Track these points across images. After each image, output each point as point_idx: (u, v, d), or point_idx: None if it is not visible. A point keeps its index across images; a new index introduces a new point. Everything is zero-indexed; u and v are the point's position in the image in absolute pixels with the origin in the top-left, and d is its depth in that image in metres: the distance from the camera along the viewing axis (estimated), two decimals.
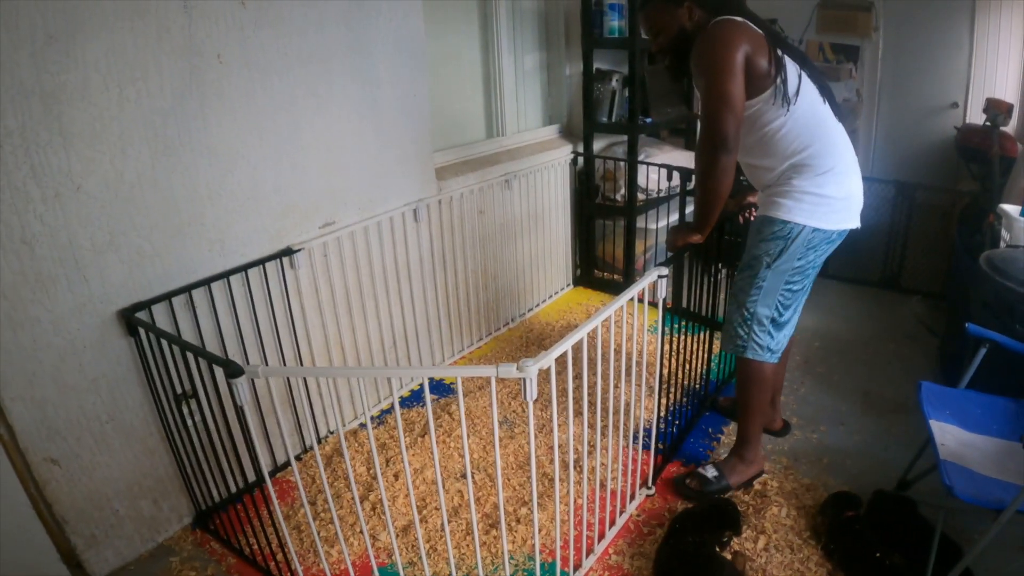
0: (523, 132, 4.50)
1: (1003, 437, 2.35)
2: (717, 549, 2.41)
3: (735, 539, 2.51)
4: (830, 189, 2.39)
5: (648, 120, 4.40)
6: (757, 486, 2.78)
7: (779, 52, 2.31)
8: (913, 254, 4.61)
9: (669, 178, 4.34)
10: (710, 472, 2.74)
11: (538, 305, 4.57)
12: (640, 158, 4.40)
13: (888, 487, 2.67)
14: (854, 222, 2.52)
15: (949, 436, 2.32)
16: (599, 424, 2.43)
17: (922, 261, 4.61)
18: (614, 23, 4.17)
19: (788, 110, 2.33)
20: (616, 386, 2.38)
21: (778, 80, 2.30)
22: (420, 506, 2.71)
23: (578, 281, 4.95)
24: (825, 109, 2.44)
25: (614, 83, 4.42)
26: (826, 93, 2.45)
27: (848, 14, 5.97)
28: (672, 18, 2.46)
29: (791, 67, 2.34)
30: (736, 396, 2.79)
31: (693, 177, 2.51)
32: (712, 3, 2.39)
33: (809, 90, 2.39)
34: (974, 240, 3.68)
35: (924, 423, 2.36)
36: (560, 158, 4.45)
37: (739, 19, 2.31)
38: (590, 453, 2.40)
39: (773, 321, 2.57)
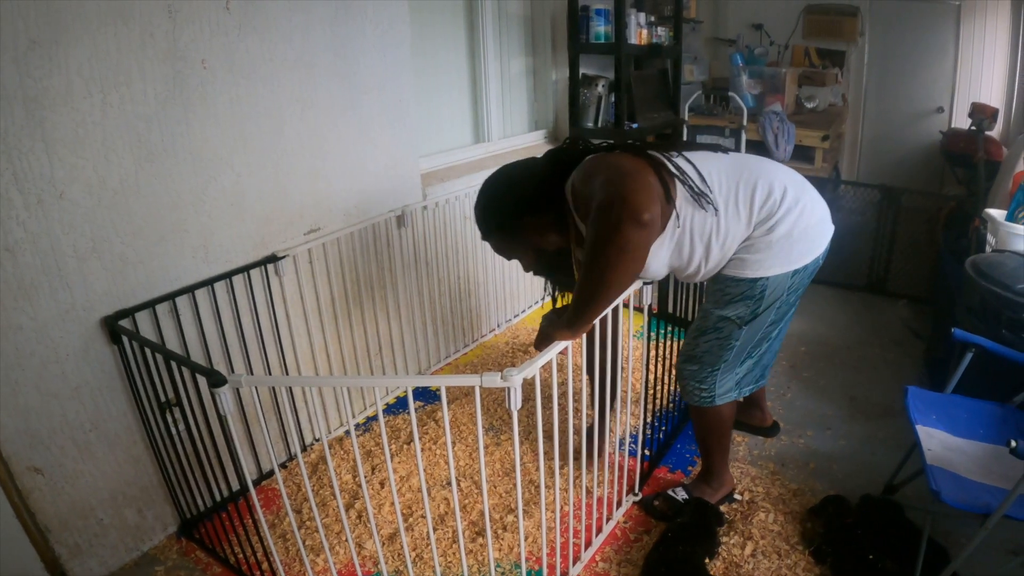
0: (509, 137, 4.51)
1: (989, 441, 2.35)
2: (707, 560, 2.41)
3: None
4: (798, 224, 2.18)
5: (634, 125, 4.41)
6: (746, 495, 2.78)
7: (663, 162, 2.13)
8: (899, 258, 4.63)
9: None
10: (680, 495, 2.70)
11: (524, 311, 4.56)
12: None
13: (875, 492, 2.68)
14: (829, 232, 2.33)
15: (935, 441, 2.32)
16: (584, 430, 2.43)
17: (908, 265, 4.63)
18: (600, 28, 4.17)
19: (713, 204, 2.14)
20: (602, 392, 2.38)
21: (679, 196, 2.12)
22: (406, 514, 2.71)
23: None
24: (731, 156, 2.31)
25: (600, 88, 4.43)
26: (716, 148, 2.34)
27: (834, 19, 6.01)
28: (519, 243, 2.37)
29: (679, 163, 2.16)
30: (696, 438, 2.71)
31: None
32: (544, 195, 2.25)
33: (707, 161, 2.21)
34: (959, 244, 3.70)
35: (911, 428, 2.36)
36: None
37: (599, 153, 2.23)
38: (576, 459, 2.39)
39: (745, 364, 2.47)
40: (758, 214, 2.16)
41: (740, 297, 2.26)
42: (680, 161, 2.17)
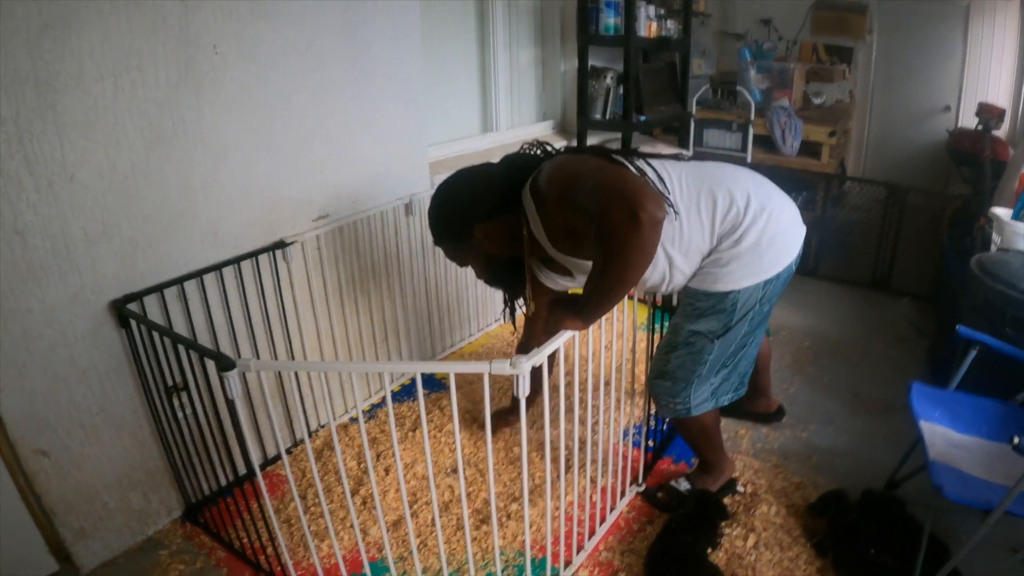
0: (517, 128, 4.51)
1: (992, 439, 2.36)
2: (709, 550, 2.42)
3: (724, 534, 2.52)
4: (766, 232, 2.12)
5: (642, 118, 4.41)
6: (749, 487, 2.79)
7: (624, 163, 2.06)
8: (903, 256, 4.62)
9: None
10: (683, 486, 2.70)
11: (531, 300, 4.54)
12: None
13: (877, 487, 2.68)
14: (801, 235, 2.26)
15: (939, 437, 2.33)
16: (590, 420, 2.43)
17: (912, 263, 4.63)
18: (610, 20, 4.17)
19: (674, 207, 2.08)
20: (607, 382, 2.38)
21: None
22: (411, 501, 2.71)
23: None
24: (692, 164, 2.25)
25: (609, 80, 4.43)
26: (677, 156, 2.30)
27: (842, 16, 6.00)
28: (470, 249, 2.32)
29: (641, 164, 2.11)
30: (688, 445, 2.70)
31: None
32: (496, 200, 2.20)
33: (667, 166, 2.17)
34: (964, 243, 3.70)
35: (914, 423, 2.37)
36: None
37: (558, 157, 2.17)
38: (581, 449, 2.40)
39: (720, 375, 2.39)
40: (721, 225, 2.11)
41: (711, 311, 2.21)
42: (641, 164, 2.12)
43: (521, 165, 2.23)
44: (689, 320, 2.27)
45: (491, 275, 2.44)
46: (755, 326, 2.29)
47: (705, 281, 2.18)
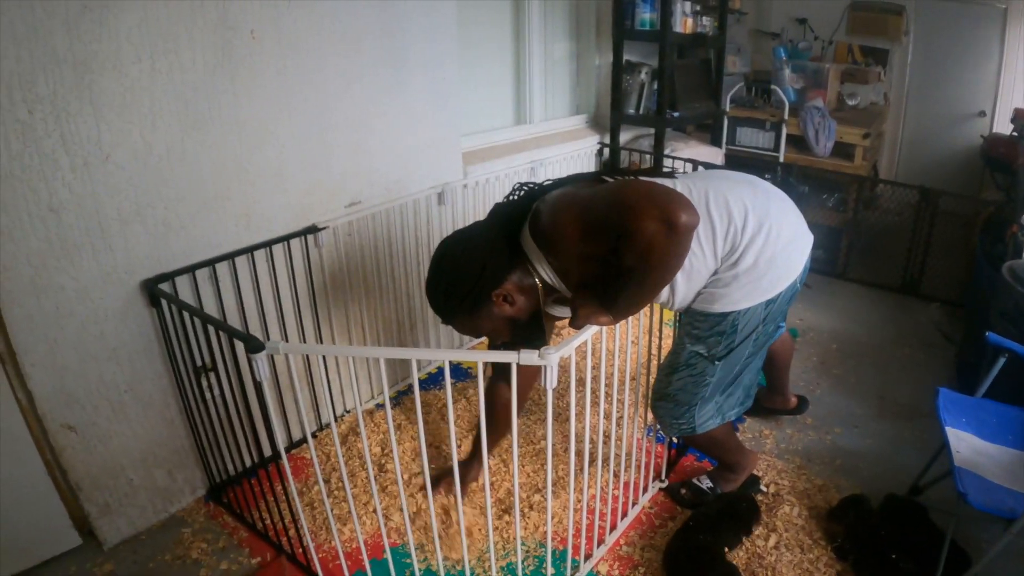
0: (550, 120, 4.51)
1: (1018, 447, 2.35)
2: (727, 550, 2.42)
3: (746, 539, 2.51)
4: (764, 253, 2.05)
5: (675, 114, 4.40)
6: (772, 487, 2.78)
7: None
8: (934, 261, 4.58)
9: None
10: (705, 483, 2.70)
11: None
12: (666, 152, 4.39)
13: (900, 492, 2.66)
14: (806, 247, 2.19)
15: (964, 444, 2.31)
16: (615, 415, 2.43)
17: (943, 268, 4.59)
18: (645, 15, 4.16)
19: None
20: (633, 378, 2.38)
21: None
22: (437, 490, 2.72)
23: None
24: (686, 179, 2.15)
25: (643, 75, 4.42)
26: (671, 174, 2.18)
27: (879, 17, 5.95)
28: (487, 317, 2.11)
29: None
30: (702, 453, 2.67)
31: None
32: (500, 261, 2.04)
33: (665, 184, 1.95)
34: (996, 250, 3.66)
35: (940, 429, 2.36)
36: (586, 148, 4.46)
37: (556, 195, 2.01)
38: (604, 444, 2.40)
39: (724, 392, 2.37)
40: (722, 244, 2.04)
41: (711, 332, 2.15)
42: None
43: (512, 213, 2.11)
44: (690, 342, 2.22)
45: (513, 335, 2.21)
46: (760, 346, 2.26)
47: (705, 302, 2.12)
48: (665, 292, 2.12)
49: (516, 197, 2.17)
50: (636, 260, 1.78)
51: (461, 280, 2.04)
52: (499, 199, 2.19)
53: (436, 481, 2.48)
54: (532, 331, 2.24)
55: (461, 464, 2.40)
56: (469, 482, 2.69)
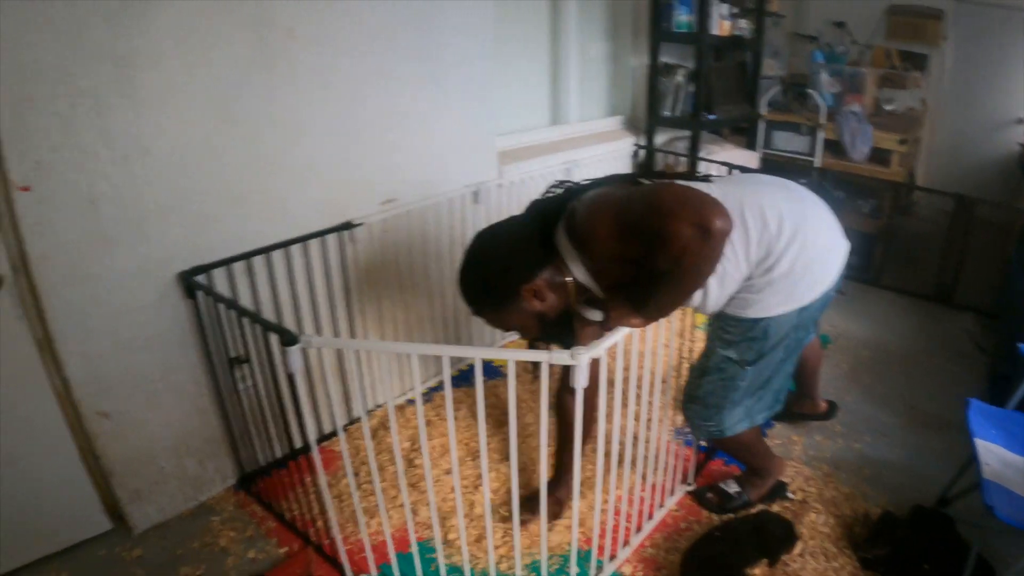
0: (587, 121, 4.50)
1: None
2: (747, 568, 2.37)
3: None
4: (799, 260, 2.03)
5: (711, 117, 4.38)
6: (799, 494, 2.77)
7: None
8: (968, 269, 4.53)
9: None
10: (732, 488, 2.70)
11: None
12: (701, 155, 4.37)
13: (927, 503, 2.65)
14: (842, 254, 2.16)
15: (994, 456, 2.29)
16: (644, 417, 2.43)
17: (977, 277, 4.53)
18: (683, 18, 4.15)
19: None
20: (663, 380, 2.38)
21: None
22: (463, 486, 2.75)
23: None
24: (721, 183, 2.14)
25: (679, 77, 4.40)
26: (706, 178, 2.18)
27: (918, 21, 5.88)
28: (517, 311, 2.07)
29: None
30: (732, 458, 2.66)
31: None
32: (534, 256, 2.02)
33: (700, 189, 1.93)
34: None
35: (969, 441, 2.33)
36: (622, 149, 4.44)
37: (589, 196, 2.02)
38: (633, 445, 2.40)
39: (754, 396, 2.35)
40: (757, 250, 2.02)
41: (743, 338, 2.15)
42: None
43: (548, 210, 2.10)
44: (721, 346, 2.21)
45: (542, 332, 2.19)
46: (791, 351, 2.25)
47: (737, 307, 2.11)
48: (698, 295, 2.10)
49: (553, 194, 2.17)
50: (669, 263, 1.77)
51: (492, 272, 2.04)
52: (535, 199, 2.19)
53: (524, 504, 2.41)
54: (562, 330, 2.21)
55: (549, 484, 2.34)
56: (564, 504, 2.62)
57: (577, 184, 2.17)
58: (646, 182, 2.02)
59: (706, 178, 2.17)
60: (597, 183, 2.12)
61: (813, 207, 2.13)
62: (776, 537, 2.46)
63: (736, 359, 2.19)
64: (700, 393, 2.33)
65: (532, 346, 2.34)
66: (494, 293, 2.05)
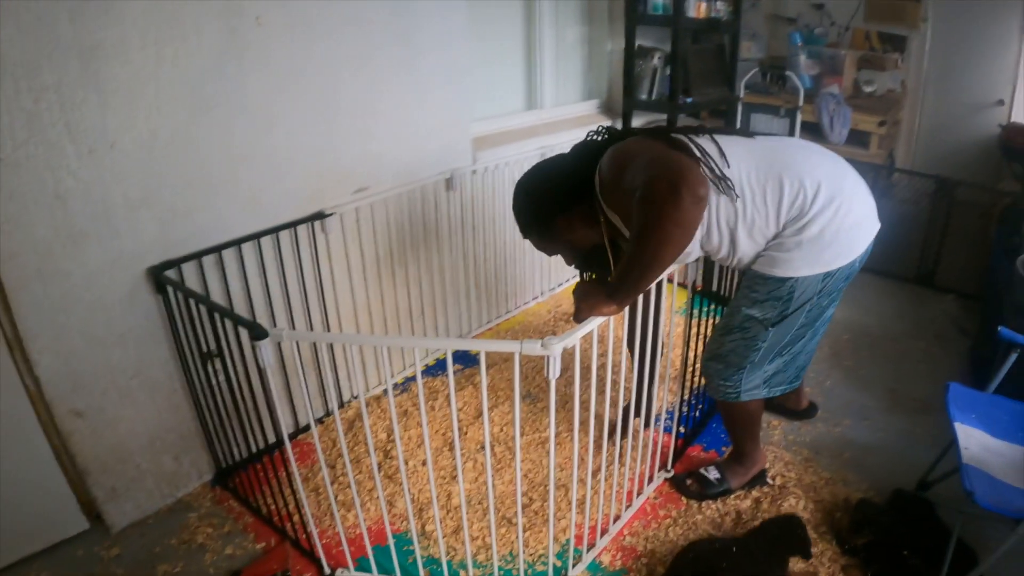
0: (562, 106, 4.47)
1: None
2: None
3: None
4: (831, 226, 2.08)
5: (688, 100, 4.36)
6: (778, 480, 2.76)
7: (685, 144, 2.04)
8: (950, 252, 4.53)
9: None
10: (712, 474, 2.69)
11: (568, 280, 4.55)
12: None
13: (908, 487, 2.65)
14: (872, 233, 2.23)
15: (973, 440, 2.28)
16: (621, 403, 2.42)
17: (958, 260, 4.53)
18: (659, 0, 4.12)
19: (735, 190, 2.06)
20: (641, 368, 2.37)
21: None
22: (440, 476, 2.74)
23: None
24: (766, 142, 2.20)
25: (656, 61, 4.36)
26: (751, 133, 2.25)
27: (897, 3, 5.87)
28: (556, 239, 2.35)
29: (704, 144, 2.08)
30: (725, 427, 2.69)
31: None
32: (574, 191, 2.23)
33: (737, 146, 2.13)
34: (1012, 242, 3.62)
35: (949, 425, 2.33)
36: None
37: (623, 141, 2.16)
38: (610, 436, 2.39)
39: (775, 364, 2.40)
40: (788, 211, 2.07)
41: (767, 297, 2.18)
42: (704, 142, 2.09)
43: (590, 152, 2.24)
44: (747, 304, 2.25)
45: (579, 261, 2.46)
46: (812, 319, 2.27)
47: (765, 265, 2.15)
48: (726, 246, 2.17)
49: (598, 138, 2.31)
50: (637, 215, 1.88)
51: (532, 202, 2.32)
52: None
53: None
54: (598, 262, 2.38)
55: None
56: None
57: (618, 130, 2.31)
58: (681, 138, 2.08)
59: (751, 135, 2.23)
60: (635, 132, 2.23)
61: (854, 183, 2.18)
62: (798, 544, 2.40)
63: (760, 318, 2.23)
64: (722, 351, 2.38)
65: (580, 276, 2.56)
66: (534, 221, 2.33)
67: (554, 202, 2.27)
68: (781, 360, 2.38)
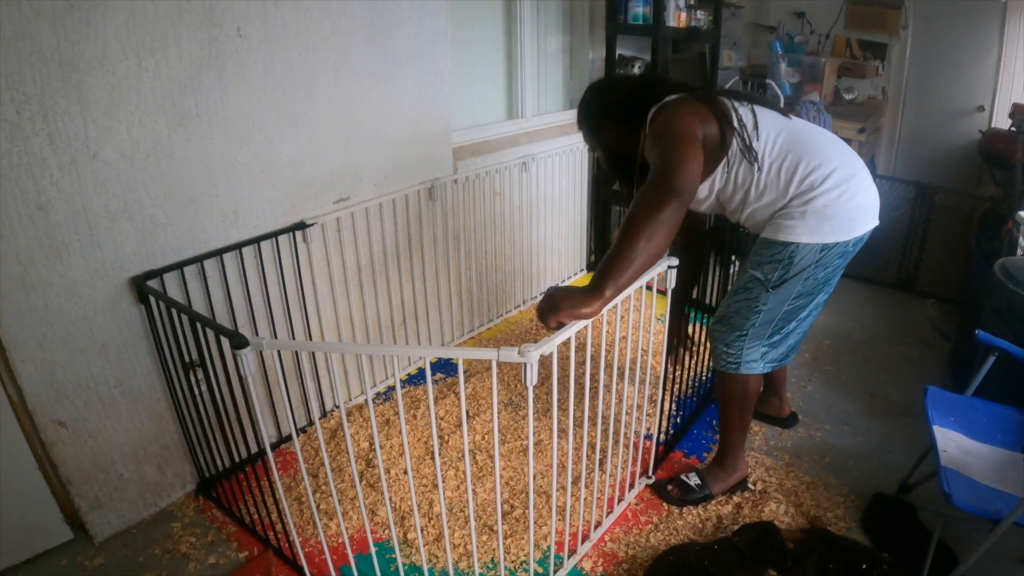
0: (543, 115, 4.48)
1: (1006, 447, 2.34)
2: None
3: None
4: (836, 204, 2.24)
5: None
6: (759, 485, 2.78)
7: (728, 112, 2.29)
8: (930, 257, 4.58)
9: None
10: (693, 480, 2.71)
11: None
12: None
13: (889, 490, 2.67)
14: (870, 223, 2.37)
15: (952, 443, 2.31)
16: (600, 412, 2.44)
17: (939, 265, 4.58)
18: (639, 9, 4.14)
19: (758, 162, 2.30)
20: (620, 375, 2.38)
21: (733, 144, 2.28)
22: (422, 484, 2.74)
23: (592, 266, 4.89)
24: (797, 124, 2.37)
25: (636, 70, 4.40)
26: (788, 111, 2.46)
27: (877, 11, 5.92)
28: (599, 137, 2.54)
29: (744, 114, 2.31)
30: (719, 411, 2.71)
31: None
32: (627, 107, 2.42)
33: (770, 120, 2.34)
34: (991, 246, 3.65)
35: (928, 428, 2.35)
36: (579, 143, 4.41)
37: (679, 97, 2.33)
38: (591, 442, 2.40)
39: (772, 341, 2.51)
40: (797, 186, 2.26)
41: (770, 259, 2.34)
42: (744, 112, 2.31)
43: (662, 85, 2.45)
44: (752, 266, 2.41)
45: (611, 165, 2.63)
46: (808, 290, 2.39)
47: (772, 231, 2.33)
48: (737, 199, 2.40)
49: (670, 81, 2.60)
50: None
51: (594, 97, 2.56)
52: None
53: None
54: (627, 174, 2.49)
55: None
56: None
57: (696, 88, 2.47)
58: (725, 101, 2.34)
59: (786, 113, 2.43)
60: (692, 90, 2.40)
61: (866, 178, 2.37)
62: (777, 553, 2.35)
63: (761, 278, 2.38)
64: (728, 312, 2.52)
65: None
66: (587, 116, 2.55)
67: (608, 106, 2.48)
68: (778, 337, 2.49)
